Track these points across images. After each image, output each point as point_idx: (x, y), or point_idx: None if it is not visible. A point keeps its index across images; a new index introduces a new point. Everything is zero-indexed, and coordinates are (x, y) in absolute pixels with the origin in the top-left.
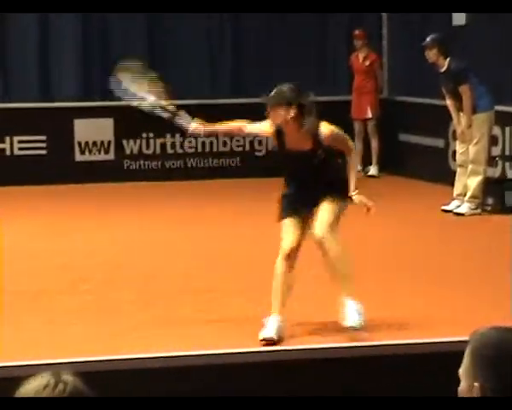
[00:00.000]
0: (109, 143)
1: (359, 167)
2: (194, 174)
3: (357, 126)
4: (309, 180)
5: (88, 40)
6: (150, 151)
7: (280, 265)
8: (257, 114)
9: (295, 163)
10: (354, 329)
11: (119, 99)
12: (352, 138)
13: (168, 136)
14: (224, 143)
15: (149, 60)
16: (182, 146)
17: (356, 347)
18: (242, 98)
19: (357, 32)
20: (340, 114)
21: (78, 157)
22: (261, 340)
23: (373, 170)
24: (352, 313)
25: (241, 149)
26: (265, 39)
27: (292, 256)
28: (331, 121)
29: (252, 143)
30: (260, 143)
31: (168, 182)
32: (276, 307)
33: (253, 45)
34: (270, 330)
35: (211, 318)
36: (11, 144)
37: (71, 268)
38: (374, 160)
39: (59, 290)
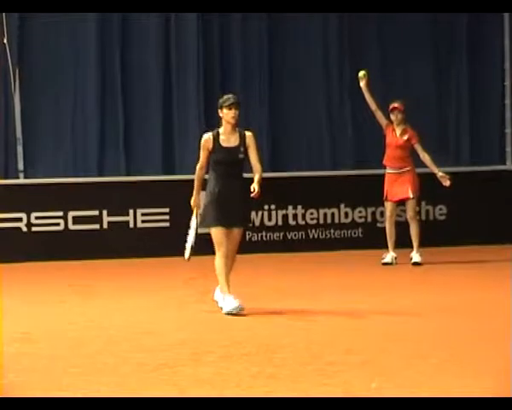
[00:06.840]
0: None
1: None
2: (316, 246)
3: None
4: None
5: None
6: (272, 223)
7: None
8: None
9: None
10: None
11: None
12: None
13: (290, 207)
14: (346, 215)
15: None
16: (304, 217)
17: None
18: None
19: None
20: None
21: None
22: (233, 313)
23: None
24: (217, 294)
25: (363, 220)
26: None
27: None
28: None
29: (374, 213)
30: (382, 214)
31: (290, 253)
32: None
33: None
34: (235, 303)
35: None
36: (134, 217)
37: (191, 342)
38: None
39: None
